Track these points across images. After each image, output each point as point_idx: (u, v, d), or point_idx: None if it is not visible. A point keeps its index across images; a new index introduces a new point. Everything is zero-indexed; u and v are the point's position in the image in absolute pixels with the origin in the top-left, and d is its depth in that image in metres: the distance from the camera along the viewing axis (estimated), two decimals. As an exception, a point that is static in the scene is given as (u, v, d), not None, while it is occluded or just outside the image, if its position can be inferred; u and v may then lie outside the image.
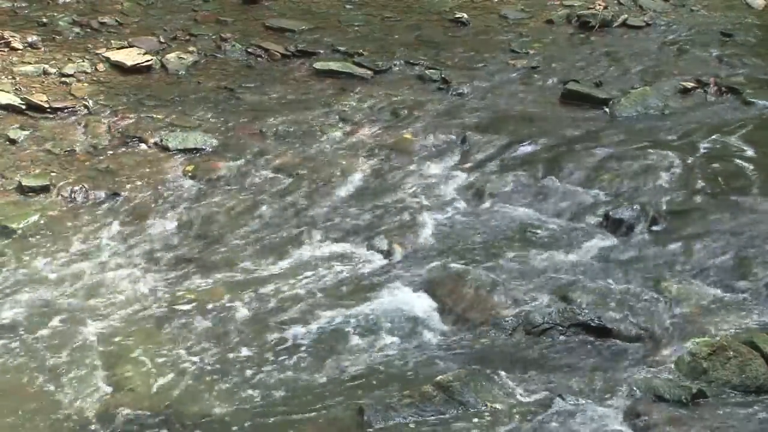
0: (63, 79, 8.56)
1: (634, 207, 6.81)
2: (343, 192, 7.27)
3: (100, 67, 8.82)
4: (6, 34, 9.12)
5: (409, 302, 6.05)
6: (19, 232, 6.74)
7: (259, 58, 9.24)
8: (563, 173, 7.36)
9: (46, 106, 8.13)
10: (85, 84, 8.55)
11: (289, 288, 6.22)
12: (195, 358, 5.61)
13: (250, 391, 5.36)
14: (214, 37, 9.52)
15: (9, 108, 8.07)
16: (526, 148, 7.71)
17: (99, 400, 5.30)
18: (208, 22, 9.85)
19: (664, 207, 6.91)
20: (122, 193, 7.20)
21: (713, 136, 7.85)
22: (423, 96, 8.67)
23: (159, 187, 7.30)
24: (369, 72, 9.04)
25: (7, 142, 7.70)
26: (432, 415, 5.13)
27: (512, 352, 5.67)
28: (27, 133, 7.82)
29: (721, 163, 7.48)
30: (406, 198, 7.17)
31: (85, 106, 8.21)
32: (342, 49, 9.42)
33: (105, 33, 9.43)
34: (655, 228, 6.71)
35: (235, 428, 5.12)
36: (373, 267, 6.44)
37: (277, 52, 9.32)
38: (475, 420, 5.11)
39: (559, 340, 5.76)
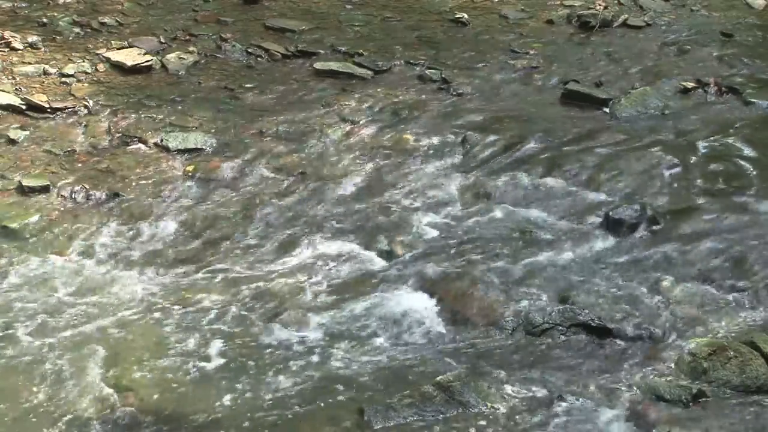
0: (63, 79, 8.56)
1: (634, 207, 6.81)
2: (343, 192, 7.28)
3: (101, 67, 8.82)
4: (6, 34, 9.12)
5: (409, 302, 6.05)
6: (19, 232, 6.75)
7: (259, 58, 9.24)
8: (563, 173, 7.37)
9: (46, 106, 8.13)
10: (85, 84, 8.55)
11: (289, 288, 6.22)
12: (195, 358, 5.61)
13: (250, 391, 5.36)
14: (214, 37, 9.52)
15: (9, 108, 8.08)
16: (526, 148, 7.71)
17: (99, 400, 5.30)
18: (208, 22, 9.86)
19: (664, 207, 6.91)
20: (122, 194, 7.21)
21: (713, 136, 7.85)
22: (423, 96, 8.67)
23: (159, 188, 7.30)
24: (369, 72, 9.04)
25: (7, 142, 7.70)
26: (432, 415, 5.14)
27: (512, 352, 5.68)
28: (27, 133, 7.82)
29: (721, 163, 7.48)
30: (407, 198, 7.18)
31: (85, 106, 8.22)
32: (342, 49, 9.42)
33: (105, 33, 9.44)
34: (655, 228, 6.71)
35: (234, 428, 5.12)
36: (373, 267, 6.44)
37: (277, 52, 9.32)
38: (475, 420, 5.11)
39: (559, 340, 5.76)
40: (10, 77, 8.53)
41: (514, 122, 8.14)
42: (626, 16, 10.32)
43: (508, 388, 5.29)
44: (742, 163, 7.49)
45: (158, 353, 5.64)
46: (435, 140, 7.88)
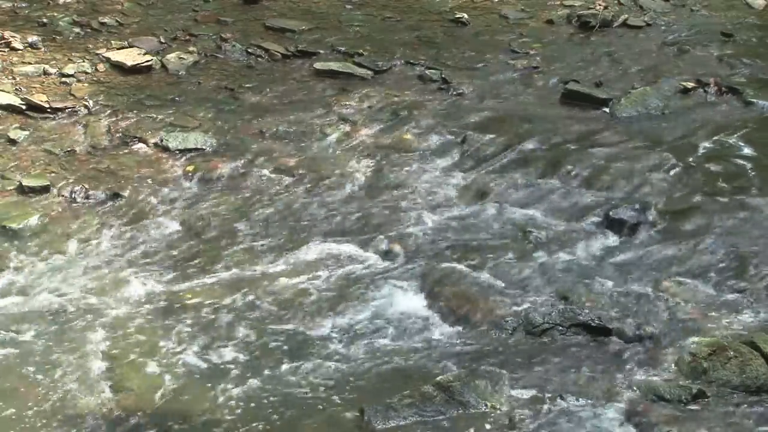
0: (63, 79, 8.56)
1: (634, 207, 6.81)
2: (343, 192, 7.28)
3: (101, 67, 8.82)
4: (6, 34, 9.12)
5: (409, 302, 6.05)
6: (19, 232, 6.75)
7: (259, 58, 9.24)
8: (563, 173, 7.36)
9: (46, 106, 8.13)
10: (85, 84, 8.55)
11: (288, 288, 6.22)
12: (195, 359, 5.61)
13: (250, 392, 5.36)
14: (214, 37, 9.52)
15: (9, 108, 8.08)
16: (526, 148, 7.71)
17: (99, 400, 5.30)
18: (208, 22, 9.85)
19: (664, 207, 6.91)
20: (122, 193, 7.21)
21: (713, 136, 7.85)
22: (423, 96, 8.67)
23: (159, 187, 7.30)
24: (369, 72, 9.04)
25: (7, 142, 7.70)
26: (432, 415, 5.14)
27: (512, 352, 5.67)
28: (27, 133, 7.82)
29: (721, 163, 7.49)
30: (406, 198, 7.17)
31: (85, 106, 8.22)
32: (342, 49, 9.42)
33: (105, 33, 9.43)
34: (655, 228, 6.71)
35: (234, 428, 5.12)
36: (373, 267, 6.44)
37: (278, 52, 9.32)
38: (475, 420, 5.11)
39: (559, 340, 5.76)
40: (10, 77, 8.53)
41: (514, 122, 8.13)
42: (626, 16, 10.32)
43: (508, 388, 5.29)
44: (742, 163, 7.49)
45: (158, 353, 5.64)
46: (435, 140, 7.88)
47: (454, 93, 8.72)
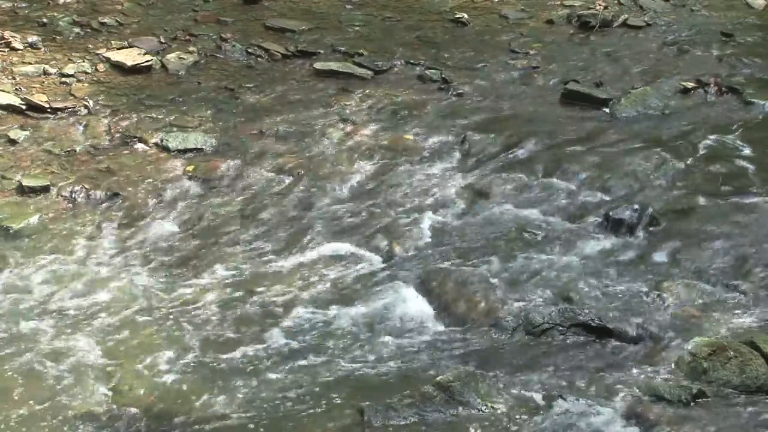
0: (63, 79, 8.56)
1: (634, 207, 6.81)
2: (343, 192, 7.28)
3: (101, 67, 8.82)
4: (6, 34, 9.12)
5: (409, 302, 6.05)
6: (19, 232, 6.75)
7: (259, 58, 9.24)
8: (563, 173, 7.36)
9: (46, 106, 8.13)
10: (85, 84, 8.55)
11: (288, 288, 6.22)
12: (195, 359, 5.61)
13: (250, 392, 5.36)
14: (214, 37, 9.52)
15: (9, 108, 8.08)
16: (526, 148, 7.71)
17: (98, 400, 5.30)
18: (208, 22, 9.85)
19: (664, 207, 6.91)
20: (122, 194, 7.21)
21: (713, 136, 7.85)
22: (423, 96, 8.67)
23: (159, 188, 7.30)
24: (369, 72, 9.04)
25: (7, 143, 7.70)
26: (432, 415, 5.14)
27: (512, 352, 5.67)
28: (27, 133, 7.82)
29: (721, 163, 7.49)
30: (406, 198, 7.18)
31: (85, 106, 8.22)
32: (342, 49, 9.42)
33: (105, 33, 9.43)
34: (655, 228, 6.71)
35: (235, 428, 5.12)
36: (373, 267, 6.44)
37: (278, 52, 9.32)
38: (475, 420, 5.11)
39: (559, 340, 5.76)
40: (10, 77, 8.53)
41: (514, 122, 8.14)
42: (626, 16, 10.32)
43: (508, 388, 5.29)
44: (742, 163, 7.49)
45: (157, 353, 5.64)
46: (435, 140, 7.88)
47: (454, 93, 8.72)
